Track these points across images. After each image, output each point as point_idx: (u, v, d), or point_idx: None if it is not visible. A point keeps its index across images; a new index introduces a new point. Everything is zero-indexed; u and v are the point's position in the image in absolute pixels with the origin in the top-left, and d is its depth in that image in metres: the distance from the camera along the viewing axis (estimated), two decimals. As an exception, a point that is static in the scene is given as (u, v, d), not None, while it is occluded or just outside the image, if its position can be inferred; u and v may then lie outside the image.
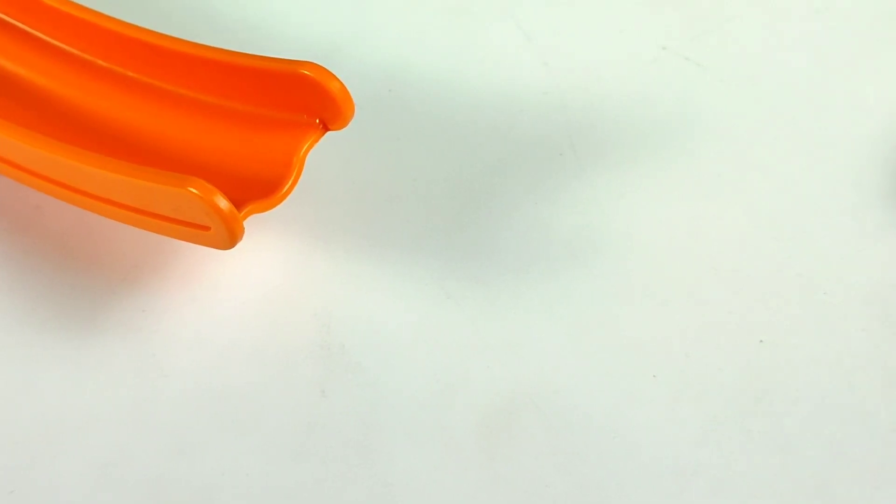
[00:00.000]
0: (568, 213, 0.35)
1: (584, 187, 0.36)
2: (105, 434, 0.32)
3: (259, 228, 0.34)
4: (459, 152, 0.36)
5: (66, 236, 0.35)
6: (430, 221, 0.35)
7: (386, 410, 0.32)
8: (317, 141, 0.33)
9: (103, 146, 0.34)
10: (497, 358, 0.33)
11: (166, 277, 0.34)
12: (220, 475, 0.31)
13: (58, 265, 0.34)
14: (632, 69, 0.38)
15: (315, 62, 0.33)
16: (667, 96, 0.37)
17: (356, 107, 0.33)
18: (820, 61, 0.38)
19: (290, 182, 0.33)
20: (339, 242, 0.35)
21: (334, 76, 0.33)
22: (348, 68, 0.36)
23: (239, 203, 0.31)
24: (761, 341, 0.33)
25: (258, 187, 0.33)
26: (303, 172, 0.33)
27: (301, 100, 0.33)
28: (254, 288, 0.34)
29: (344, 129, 0.33)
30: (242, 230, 0.31)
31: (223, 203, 0.30)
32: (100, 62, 0.35)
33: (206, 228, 0.31)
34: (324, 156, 0.35)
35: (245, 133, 0.34)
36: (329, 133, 0.33)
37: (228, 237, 0.31)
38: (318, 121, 0.33)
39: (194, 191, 0.30)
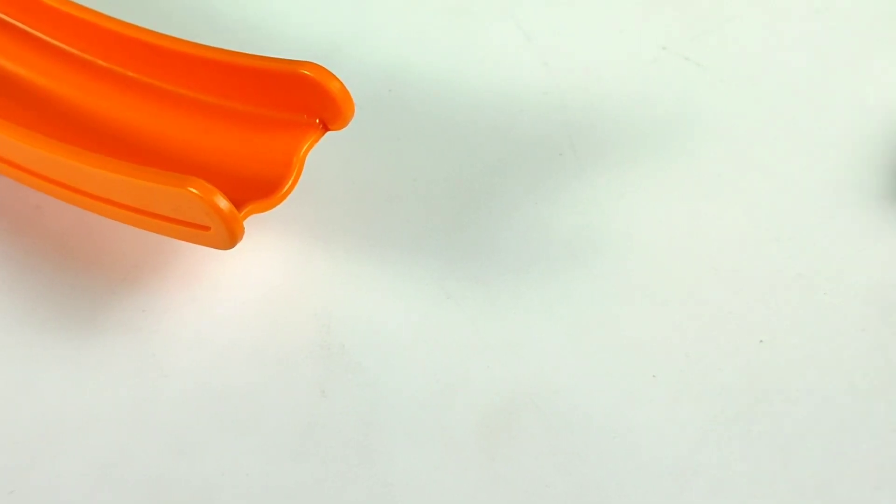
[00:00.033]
0: (568, 213, 0.35)
1: (584, 187, 0.36)
2: (105, 434, 0.32)
3: (259, 228, 0.34)
4: (459, 152, 0.36)
5: (66, 236, 0.35)
6: (430, 221, 0.35)
7: (386, 410, 0.32)
8: (317, 141, 0.33)
9: (103, 146, 0.34)
10: (497, 358, 0.33)
11: (166, 277, 0.34)
12: (220, 475, 0.31)
13: (58, 265, 0.34)
14: (632, 69, 0.38)
15: (315, 62, 0.33)
16: (667, 96, 0.37)
17: (356, 107, 0.33)
18: (820, 61, 0.38)
19: (290, 182, 0.33)
20: (339, 242, 0.35)
21: (334, 76, 0.33)
22: (348, 68, 0.36)
23: (239, 203, 0.31)
24: (761, 341, 0.33)
25: (258, 187, 0.33)
26: (303, 172, 0.33)
27: (301, 100, 0.33)
28: (254, 288, 0.34)
29: (344, 129, 0.33)
30: (242, 230, 0.31)
31: (223, 203, 0.30)
32: (100, 62, 0.35)
33: (206, 228, 0.31)
34: (324, 156, 0.35)
35: (245, 133, 0.34)
36: (329, 133, 0.33)
37: (228, 237, 0.31)
38: (318, 121, 0.33)
39: (194, 191, 0.30)
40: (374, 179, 0.36)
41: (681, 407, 0.32)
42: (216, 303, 0.34)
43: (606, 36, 0.39)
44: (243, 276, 0.34)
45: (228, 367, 0.33)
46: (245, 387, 0.32)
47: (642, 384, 0.32)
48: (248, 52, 0.34)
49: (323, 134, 0.33)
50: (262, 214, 0.32)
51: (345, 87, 0.33)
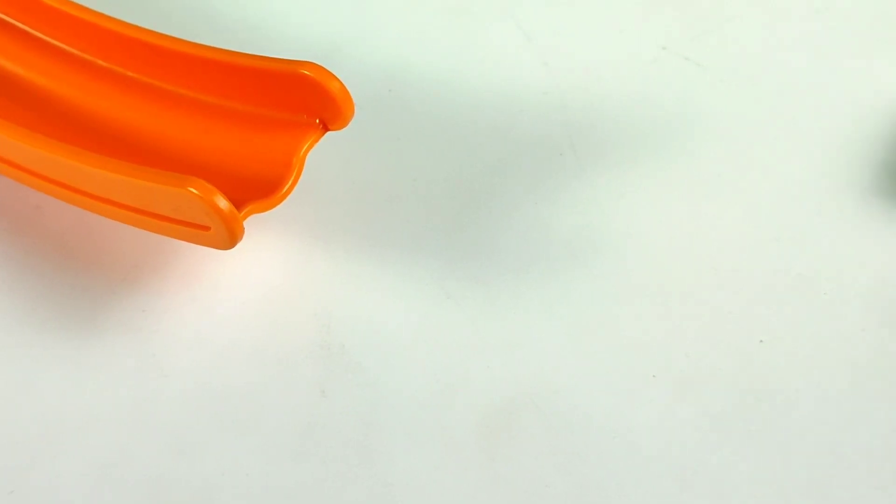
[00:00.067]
0: (568, 213, 0.35)
1: (584, 187, 0.36)
2: (105, 434, 0.32)
3: (259, 228, 0.34)
4: (459, 152, 0.36)
5: (66, 236, 0.35)
6: (430, 221, 0.35)
7: (386, 410, 0.32)
8: (317, 141, 0.33)
9: (103, 146, 0.34)
10: (497, 358, 0.33)
11: (166, 277, 0.34)
12: (220, 475, 0.31)
13: (58, 265, 0.34)
14: (632, 69, 0.38)
15: (315, 62, 0.33)
16: (667, 96, 0.37)
17: (356, 107, 0.33)
18: (820, 61, 0.38)
19: (290, 182, 0.33)
20: (339, 242, 0.35)
21: (334, 76, 0.33)
22: (348, 68, 0.36)
23: (239, 203, 0.31)
24: (761, 341, 0.33)
25: (258, 187, 0.33)
26: (303, 172, 0.33)
27: (301, 100, 0.33)
28: (254, 288, 0.34)
29: (344, 129, 0.33)
30: (242, 230, 0.31)
31: (223, 203, 0.30)
32: (100, 62, 0.35)
33: (206, 228, 0.31)
34: (324, 156, 0.35)
35: (245, 133, 0.34)
36: (329, 133, 0.33)
37: (228, 237, 0.31)
38: (318, 121, 0.33)
39: (194, 191, 0.30)
40: (374, 179, 0.36)
41: (681, 407, 0.32)
42: (216, 303, 0.34)
43: (606, 36, 0.39)
44: (243, 276, 0.34)
45: (228, 367, 0.33)
46: (245, 387, 0.32)
47: (642, 384, 0.32)
48: (248, 52, 0.34)
49: (323, 134, 0.33)
50: (262, 214, 0.32)
51: (345, 87, 0.33)
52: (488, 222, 0.35)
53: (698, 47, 0.38)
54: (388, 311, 0.33)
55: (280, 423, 0.32)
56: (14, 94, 0.36)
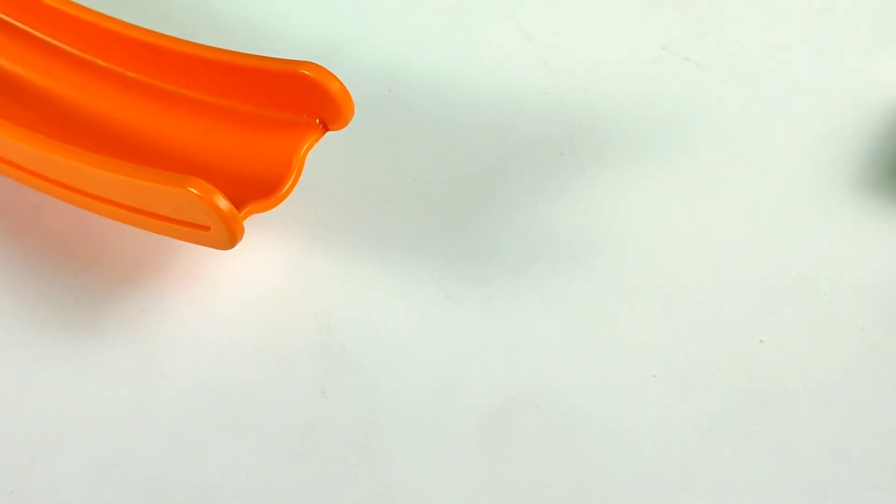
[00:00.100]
0: (568, 213, 0.35)
1: (584, 187, 0.36)
2: (105, 434, 0.32)
3: (259, 228, 0.34)
4: (459, 152, 0.36)
5: (66, 236, 0.35)
6: (430, 221, 0.35)
7: (386, 410, 0.32)
8: (317, 141, 0.33)
9: (103, 146, 0.34)
10: (497, 358, 0.33)
11: (166, 277, 0.34)
12: (220, 475, 0.31)
13: (58, 265, 0.34)
14: (632, 69, 0.38)
15: (315, 62, 0.33)
16: (667, 96, 0.37)
17: (356, 107, 0.33)
18: (820, 61, 0.38)
19: (290, 182, 0.33)
20: (339, 242, 0.35)
21: (334, 76, 0.33)
22: (348, 68, 0.36)
23: (239, 203, 0.31)
24: (761, 341, 0.33)
25: (258, 187, 0.33)
26: (303, 172, 0.33)
27: (301, 100, 0.33)
28: (254, 288, 0.34)
29: (344, 129, 0.33)
30: (242, 230, 0.31)
31: (223, 203, 0.30)
32: (100, 62, 0.35)
33: (206, 228, 0.31)
34: (324, 156, 0.35)
35: (245, 133, 0.34)
36: (329, 133, 0.33)
37: (228, 237, 0.31)
38: (318, 121, 0.33)
39: (194, 191, 0.30)
40: (374, 179, 0.36)
41: (681, 407, 0.32)
42: (216, 303, 0.34)
43: (606, 36, 0.39)
44: (243, 276, 0.34)
45: (228, 367, 0.33)
46: (245, 387, 0.32)
47: (642, 384, 0.32)
48: (248, 52, 0.34)
49: (323, 134, 0.33)
50: (262, 214, 0.32)
51: (345, 87, 0.33)
52: (488, 222, 0.35)
53: (698, 47, 0.38)
54: (388, 311, 0.33)
55: (280, 423, 0.32)
56: (14, 94, 0.36)
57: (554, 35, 0.39)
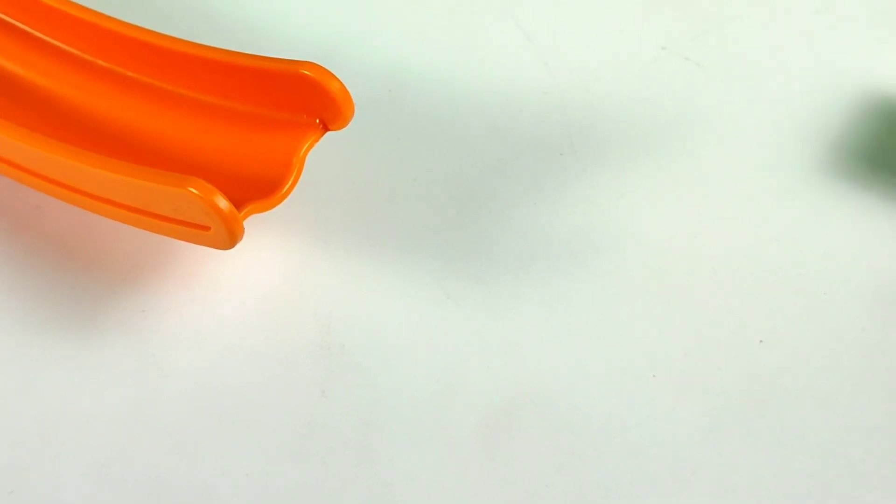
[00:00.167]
0: (568, 213, 0.35)
1: (584, 187, 0.36)
2: (105, 434, 0.32)
3: (259, 228, 0.34)
4: (459, 152, 0.36)
5: (66, 236, 0.35)
6: (430, 221, 0.35)
7: (386, 410, 0.32)
8: (317, 141, 0.33)
9: (103, 146, 0.34)
10: (497, 358, 0.33)
11: (166, 277, 0.34)
12: (220, 475, 0.31)
13: (58, 265, 0.34)
14: (632, 69, 0.38)
15: (315, 62, 0.33)
16: (667, 96, 0.37)
17: (356, 107, 0.33)
18: (820, 61, 0.38)
19: (290, 182, 0.33)
20: (339, 242, 0.35)
21: (334, 76, 0.33)
22: (348, 68, 0.36)
23: (239, 203, 0.31)
24: (761, 341, 0.33)
25: (258, 187, 0.33)
26: (303, 172, 0.33)
27: (301, 100, 0.33)
28: (254, 288, 0.34)
29: (344, 129, 0.33)
30: (242, 230, 0.31)
31: (223, 203, 0.30)
32: (100, 62, 0.35)
33: (206, 228, 0.31)
34: (324, 156, 0.35)
35: (245, 133, 0.34)
36: (329, 133, 0.33)
37: (228, 237, 0.31)
38: (318, 121, 0.33)
39: (194, 191, 0.30)
40: (374, 179, 0.36)
41: (681, 407, 0.32)
42: (216, 303, 0.34)
43: (606, 36, 0.39)
44: (243, 276, 0.34)
45: (228, 367, 0.33)
46: (245, 387, 0.32)
47: (642, 384, 0.32)
48: (248, 52, 0.34)
49: (323, 134, 0.33)
50: (262, 214, 0.32)
51: (345, 87, 0.33)
52: (488, 222, 0.35)
53: (698, 47, 0.38)
54: (388, 311, 0.33)
55: (280, 423, 0.32)
56: (14, 94, 0.36)
57: (554, 35, 0.39)
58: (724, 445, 0.31)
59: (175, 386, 0.32)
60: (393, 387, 0.32)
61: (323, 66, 0.33)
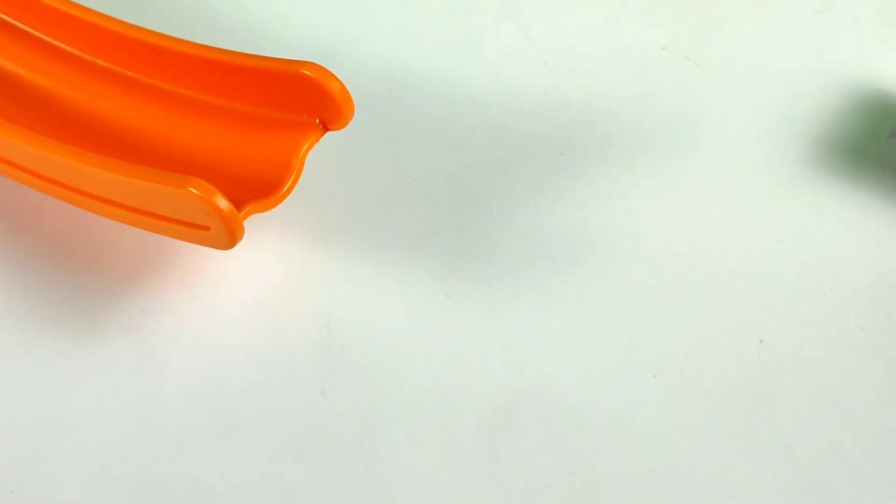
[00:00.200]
0: (568, 213, 0.35)
1: (584, 187, 0.36)
2: (105, 434, 0.32)
3: (259, 228, 0.34)
4: (459, 152, 0.36)
5: (66, 236, 0.35)
6: (430, 221, 0.35)
7: (386, 410, 0.32)
8: (317, 141, 0.33)
9: (103, 146, 0.34)
10: (497, 358, 0.33)
11: (166, 277, 0.34)
12: (220, 475, 0.31)
13: (58, 265, 0.34)
14: (632, 69, 0.38)
15: (315, 62, 0.33)
16: (667, 96, 0.37)
17: (356, 107, 0.33)
18: (820, 61, 0.38)
19: (290, 182, 0.33)
20: (339, 242, 0.35)
21: (334, 76, 0.33)
22: (348, 68, 0.36)
23: (239, 203, 0.31)
24: (761, 341, 0.33)
25: (258, 187, 0.33)
26: (303, 172, 0.33)
27: (301, 100, 0.33)
28: (254, 288, 0.34)
29: (344, 129, 0.33)
30: (242, 230, 0.31)
31: (223, 203, 0.30)
32: (100, 62, 0.35)
33: (206, 228, 0.31)
34: (324, 156, 0.35)
35: (245, 133, 0.34)
36: (329, 133, 0.33)
37: (228, 237, 0.31)
38: (318, 121, 0.33)
39: (194, 191, 0.30)
40: (374, 179, 0.36)
41: (681, 407, 0.32)
42: (216, 303, 0.34)
43: (606, 36, 0.39)
44: (243, 276, 0.34)
45: (228, 367, 0.33)
46: (245, 387, 0.32)
47: (642, 384, 0.32)
48: (248, 52, 0.34)
49: (323, 134, 0.33)
50: (262, 214, 0.32)
51: (345, 87, 0.33)
52: (488, 222, 0.35)
53: (698, 47, 0.38)
54: (388, 311, 0.33)
55: (280, 423, 0.32)
56: (14, 94, 0.36)
57: (554, 35, 0.39)
58: (724, 445, 0.31)
59: (175, 386, 0.32)
60: (393, 387, 0.32)
61: (323, 66, 0.33)
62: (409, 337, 0.33)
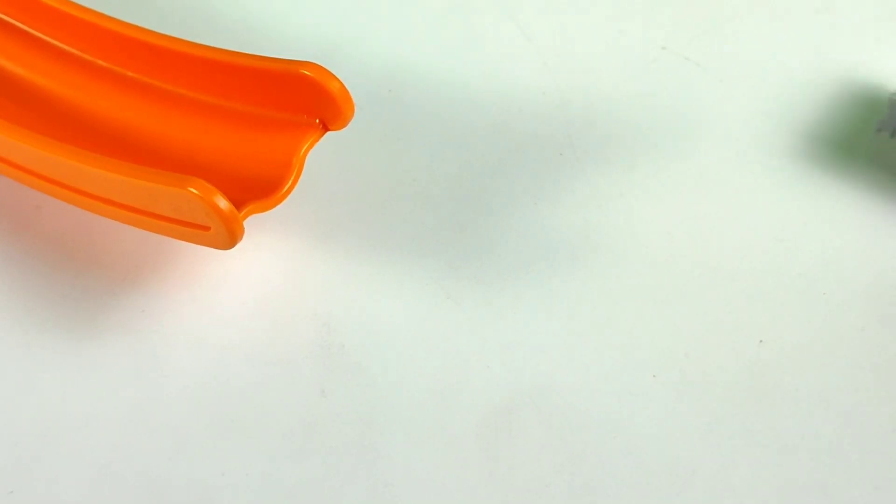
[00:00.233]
0: (568, 212, 0.35)
1: (584, 187, 0.36)
2: (105, 434, 0.32)
3: (259, 228, 0.34)
4: (459, 152, 0.36)
5: (66, 236, 0.35)
6: (430, 221, 0.35)
7: (386, 410, 0.32)
8: (317, 141, 0.33)
9: (103, 146, 0.34)
10: (497, 358, 0.33)
11: (166, 277, 0.34)
12: (220, 475, 0.31)
13: (58, 265, 0.34)
14: (632, 69, 0.38)
15: (315, 62, 0.33)
16: (667, 96, 0.37)
17: (356, 107, 0.33)
18: (820, 62, 0.38)
19: (290, 182, 0.33)
20: (339, 242, 0.35)
21: (334, 76, 0.33)
22: (348, 68, 0.36)
23: (239, 203, 0.31)
24: (761, 341, 0.33)
25: (258, 187, 0.33)
26: (303, 172, 0.33)
27: (301, 100, 0.33)
28: (254, 288, 0.34)
29: (344, 129, 0.33)
30: (242, 230, 0.31)
31: (223, 203, 0.30)
32: (100, 62, 0.35)
33: (206, 228, 0.31)
34: (324, 156, 0.35)
35: (245, 133, 0.34)
36: (329, 133, 0.33)
37: (228, 237, 0.31)
38: (318, 121, 0.33)
39: (194, 191, 0.30)
40: (374, 179, 0.36)
41: (681, 407, 0.32)
42: (216, 303, 0.34)
43: (606, 36, 0.39)
44: (243, 276, 0.34)
45: (228, 367, 0.33)
46: (245, 387, 0.32)
47: (642, 384, 0.32)
48: (248, 52, 0.34)
49: (323, 134, 0.33)
50: (262, 214, 0.32)
51: (345, 87, 0.33)
52: (488, 222, 0.35)
53: (698, 47, 0.38)
54: (388, 312, 0.33)
55: (280, 422, 0.32)
56: (14, 94, 0.36)
57: (554, 35, 0.39)
58: (724, 445, 0.31)
59: (175, 386, 0.32)
60: (393, 387, 0.32)
61: (323, 66, 0.33)
62: (409, 337, 0.33)
